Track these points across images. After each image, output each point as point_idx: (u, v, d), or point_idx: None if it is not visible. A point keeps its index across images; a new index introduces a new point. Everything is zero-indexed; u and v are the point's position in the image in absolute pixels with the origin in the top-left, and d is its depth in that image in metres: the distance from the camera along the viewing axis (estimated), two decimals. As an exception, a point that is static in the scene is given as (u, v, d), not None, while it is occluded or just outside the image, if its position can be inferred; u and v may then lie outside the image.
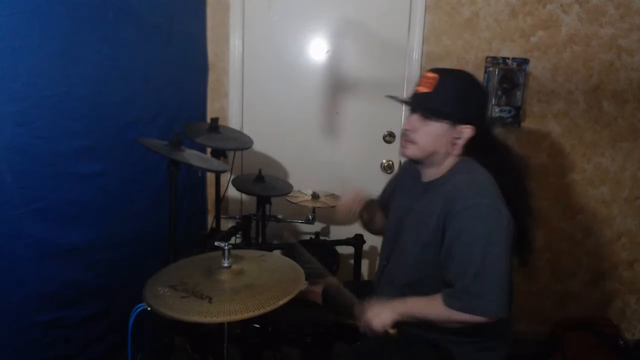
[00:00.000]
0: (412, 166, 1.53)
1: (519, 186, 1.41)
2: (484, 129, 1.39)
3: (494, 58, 2.43)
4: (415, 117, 1.37)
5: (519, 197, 1.38)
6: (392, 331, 1.34)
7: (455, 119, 1.34)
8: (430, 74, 1.35)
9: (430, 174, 1.43)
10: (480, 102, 1.42)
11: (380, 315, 1.34)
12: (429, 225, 1.34)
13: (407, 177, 1.58)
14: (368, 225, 1.75)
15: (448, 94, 1.33)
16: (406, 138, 1.40)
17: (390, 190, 1.69)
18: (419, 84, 1.38)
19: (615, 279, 2.59)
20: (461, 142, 1.36)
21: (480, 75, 2.44)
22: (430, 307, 1.30)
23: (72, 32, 1.50)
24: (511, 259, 1.28)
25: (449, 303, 1.26)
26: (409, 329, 1.37)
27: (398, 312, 1.33)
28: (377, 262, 1.65)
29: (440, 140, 1.36)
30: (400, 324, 1.34)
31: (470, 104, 1.36)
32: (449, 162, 1.40)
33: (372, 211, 1.71)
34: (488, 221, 1.26)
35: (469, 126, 1.35)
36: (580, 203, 2.54)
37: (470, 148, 1.39)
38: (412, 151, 1.39)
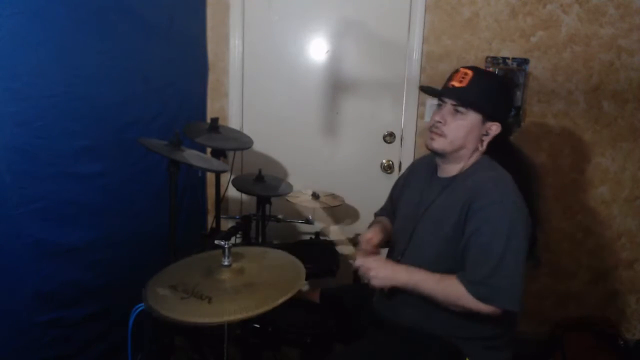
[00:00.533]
0: (422, 164, 1.57)
1: (532, 190, 1.43)
2: (507, 130, 1.44)
3: (494, 58, 2.43)
4: (447, 110, 1.39)
5: (531, 200, 1.39)
6: (386, 290, 1.37)
7: (487, 114, 1.37)
8: (465, 70, 1.39)
9: (450, 169, 1.44)
10: (510, 102, 1.50)
11: (383, 276, 1.36)
12: (451, 219, 1.35)
13: (416, 175, 1.60)
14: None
15: (482, 89, 1.37)
16: (436, 130, 1.40)
17: (398, 192, 1.69)
18: (452, 79, 1.40)
19: (615, 279, 2.59)
20: (487, 140, 1.39)
21: (480, 75, 2.44)
22: (442, 286, 1.31)
23: (72, 32, 1.50)
24: (526, 257, 1.31)
25: (470, 289, 1.27)
26: (419, 323, 1.39)
27: (402, 281, 1.35)
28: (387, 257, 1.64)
29: (470, 135, 1.38)
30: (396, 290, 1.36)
31: (501, 102, 1.41)
32: (472, 159, 1.42)
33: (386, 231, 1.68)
34: (513, 218, 1.28)
35: (496, 123, 1.38)
36: (580, 203, 2.54)
37: (490, 148, 1.42)
38: (441, 144, 1.40)
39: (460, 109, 1.37)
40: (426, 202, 1.46)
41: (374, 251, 1.55)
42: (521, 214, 1.30)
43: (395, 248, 1.57)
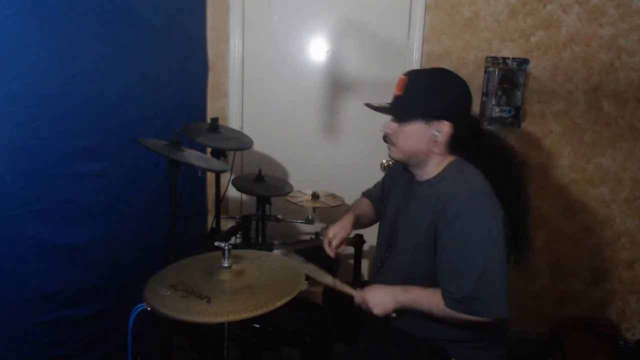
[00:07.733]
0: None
1: (514, 185, 1.38)
2: (467, 124, 1.36)
3: (494, 58, 2.43)
4: (393, 120, 1.39)
5: (514, 196, 1.35)
6: (393, 315, 1.34)
7: (427, 116, 1.33)
8: (402, 77, 1.37)
9: (422, 174, 1.42)
10: (453, 96, 1.36)
11: (382, 303, 1.34)
12: (422, 226, 1.33)
13: (402, 175, 1.56)
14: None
15: (416, 93, 1.34)
16: (388, 141, 1.41)
17: (385, 186, 1.67)
18: (395, 88, 1.39)
19: (615, 279, 2.59)
20: (442, 140, 1.34)
21: (480, 75, 2.44)
22: (433, 303, 1.30)
23: (71, 31, 1.50)
24: (507, 258, 1.27)
25: (452, 305, 1.26)
26: (407, 326, 1.38)
27: (399, 302, 1.33)
28: (372, 263, 1.64)
29: (419, 140, 1.35)
30: (400, 310, 1.35)
31: (440, 99, 1.34)
32: (438, 162, 1.38)
33: (360, 217, 1.70)
34: (484, 222, 1.25)
35: (444, 122, 1.33)
36: (580, 203, 2.54)
37: (460, 146, 1.38)
38: (395, 154, 1.41)
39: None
40: (403, 207, 1.45)
41: (336, 250, 1.58)
42: (492, 214, 1.26)
43: (378, 251, 1.57)
